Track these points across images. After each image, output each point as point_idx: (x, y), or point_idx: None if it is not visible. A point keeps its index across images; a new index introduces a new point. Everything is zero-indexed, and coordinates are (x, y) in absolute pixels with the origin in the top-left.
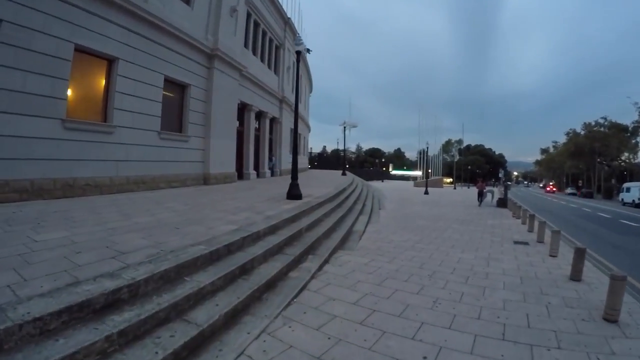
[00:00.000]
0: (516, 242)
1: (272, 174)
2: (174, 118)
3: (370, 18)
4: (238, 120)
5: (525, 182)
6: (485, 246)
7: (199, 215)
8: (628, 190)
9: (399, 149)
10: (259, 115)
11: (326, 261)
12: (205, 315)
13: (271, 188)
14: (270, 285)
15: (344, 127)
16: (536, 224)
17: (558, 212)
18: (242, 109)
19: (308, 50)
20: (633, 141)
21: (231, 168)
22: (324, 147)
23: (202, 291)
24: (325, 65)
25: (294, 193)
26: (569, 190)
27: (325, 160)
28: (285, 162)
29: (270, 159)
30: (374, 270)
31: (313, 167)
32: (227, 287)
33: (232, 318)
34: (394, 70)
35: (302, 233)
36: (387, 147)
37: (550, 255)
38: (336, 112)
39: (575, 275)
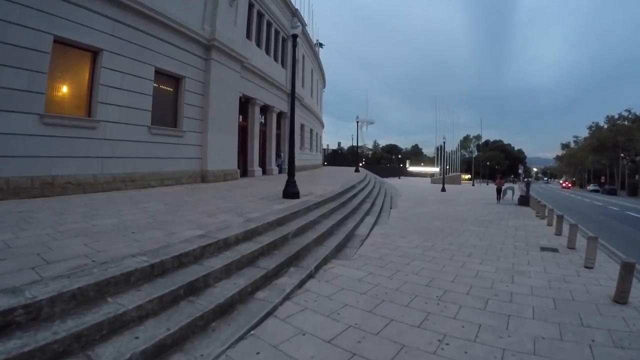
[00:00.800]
0: (543, 249)
1: (280, 171)
2: (167, 112)
3: (386, 15)
4: (241, 114)
5: (545, 179)
6: (508, 254)
7: (170, 217)
8: None
9: (416, 145)
10: (265, 110)
11: (311, 275)
12: (114, 351)
13: (272, 186)
14: (226, 309)
15: (357, 122)
16: (566, 226)
17: (584, 211)
18: (246, 103)
19: (320, 45)
20: None
21: (232, 165)
22: (339, 143)
23: (121, 317)
24: (343, 63)
25: (290, 191)
26: (591, 187)
27: (341, 157)
28: (296, 158)
29: (278, 155)
30: (369, 289)
31: (329, 163)
32: (162, 312)
33: (154, 358)
34: (412, 67)
35: (288, 239)
36: (405, 144)
37: (586, 267)
38: (354, 109)
39: (621, 297)
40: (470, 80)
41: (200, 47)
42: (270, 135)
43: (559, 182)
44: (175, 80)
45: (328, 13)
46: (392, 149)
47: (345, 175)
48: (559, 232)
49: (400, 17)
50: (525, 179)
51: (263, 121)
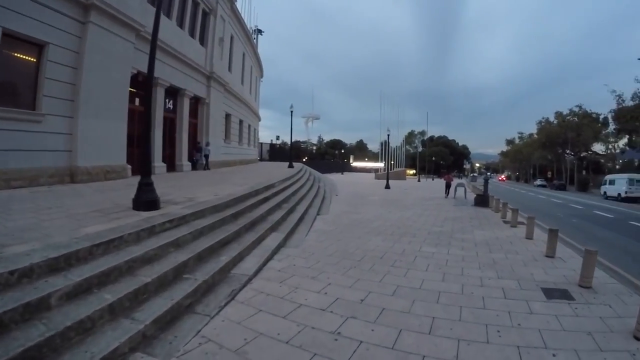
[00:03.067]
0: (547, 292)
1: (195, 167)
2: (18, 89)
3: (335, 11)
4: (137, 96)
5: (488, 173)
6: (500, 312)
7: None
8: (612, 182)
9: (361, 141)
10: (174, 93)
11: None
12: None
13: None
14: None
15: (291, 112)
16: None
17: (547, 210)
18: (144, 82)
19: (259, 32)
20: (604, 132)
21: (118, 159)
22: (277, 137)
23: None
24: (291, 58)
25: (144, 199)
26: (538, 182)
27: (281, 152)
28: (217, 152)
29: (198, 150)
30: None
31: (271, 159)
32: None
33: None
34: (359, 63)
35: (50, 307)
36: (350, 140)
37: (636, 337)
38: (300, 105)
39: None
40: (416, 79)
41: (75, 7)
42: (181, 124)
43: (499, 178)
44: (36, 48)
45: (277, 6)
46: (336, 144)
47: (273, 172)
48: (550, 252)
49: (350, 13)
50: (484, 175)
51: (171, 107)
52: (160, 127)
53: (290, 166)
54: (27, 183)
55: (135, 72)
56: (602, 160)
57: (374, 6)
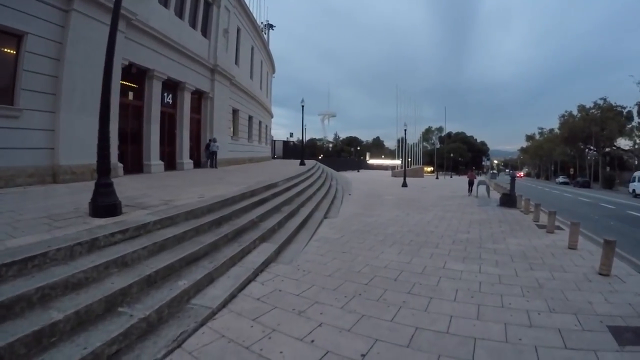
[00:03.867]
0: (617, 334)
1: (198, 165)
2: None
3: (350, 8)
4: (130, 91)
5: (507, 170)
6: None
7: None
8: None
9: (377, 138)
10: (174, 87)
11: None
12: None
13: (135, 188)
14: None
15: (302, 107)
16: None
17: (578, 211)
18: (139, 74)
19: (271, 26)
20: (629, 126)
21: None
22: (291, 134)
23: None
24: (307, 57)
25: (99, 203)
26: (560, 179)
27: (295, 150)
28: (224, 149)
29: (207, 147)
30: None
31: (285, 156)
32: None
33: None
34: (375, 61)
35: None
36: (367, 137)
37: None
38: (316, 103)
39: None
40: (432, 75)
41: None
42: (181, 119)
43: (517, 174)
44: (14, 39)
45: (292, 5)
46: (352, 142)
47: (282, 170)
48: (605, 270)
49: (364, 10)
50: (510, 172)
51: (170, 101)
52: (157, 123)
53: (302, 163)
54: (3, 184)
55: (126, 63)
56: (626, 157)
57: (388, 1)
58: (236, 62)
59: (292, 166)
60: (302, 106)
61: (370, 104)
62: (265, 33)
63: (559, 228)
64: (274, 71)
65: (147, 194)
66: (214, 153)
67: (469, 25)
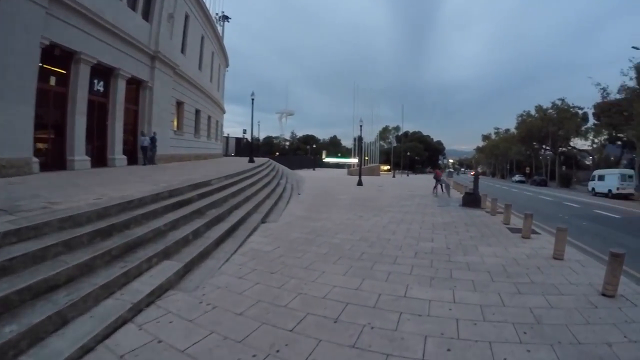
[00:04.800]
0: None
1: (135, 162)
2: None
3: (310, 6)
4: (52, 75)
5: (462, 169)
6: None
7: None
8: (601, 178)
9: (334, 136)
10: (107, 73)
11: None
12: None
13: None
14: None
15: (252, 100)
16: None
17: (543, 210)
18: (64, 57)
19: (226, 18)
20: (584, 127)
21: (20, 152)
22: (244, 130)
23: None
24: (264, 52)
25: None
26: (516, 177)
27: (249, 147)
28: (165, 145)
29: (144, 140)
30: None
31: (239, 154)
32: None
33: None
34: (335, 60)
35: None
36: (324, 136)
37: None
38: (274, 101)
39: None
40: (391, 76)
41: None
42: (114, 110)
43: (471, 173)
44: None
45: (253, 1)
46: (309, 140)
47: (225, 167)
48: (611, 290)
49: (325, 8)
50: (464, 170)
51: (102, 89)
52: (84, 113)
53: (251, 160)
54: None
55: (47, 43)
56: (580, 157)
57: (350, 1)
58: (182, 51)
59: (240, 163)
60: (252, 99)
61: (329, 103)
62: (220, 25)
63: (534, 232)
64: (227, 65)
65: (39, 194)
66: (145, 148)
67: (429, 28)
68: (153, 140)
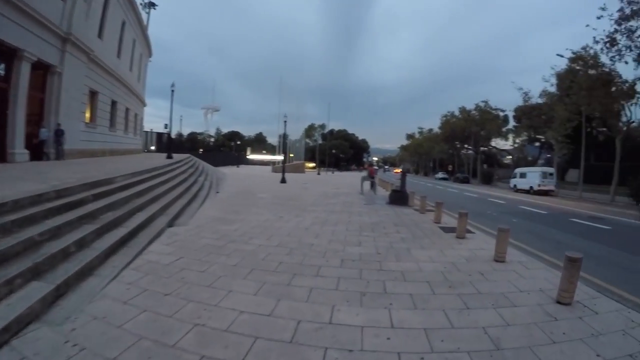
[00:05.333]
0: None
1: (36, 158)
2: None
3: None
4: None
5: (386, 167)
6: None
7: None
8: (523, 175)
9: (260, 133)
10: (8, 55)
11: None
12: None
13: None
14: None
15: (172, 91)
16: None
17: (470, 206)
18: None
19: (152, 5)
20: (505, 128)
21: None
22: (165, 125)
23: None
24: (193, 47)
25: None
26: (439, 174)
27: (176, 144)
28: (75, 138)
29: (55, 133)
30: None
31: (159, 149)
32: None
33: None
34: (263, 57)
35: None
36: (251, 132)
37: None
38: (201, 96)
39: None
40: (319, 75)
41: None
42: (15, 97)
43: (394, 171)
44: None
45: None
46: (234, 136)
47: (139, 163)
48: (568, 298)
49: (255, 5)
50: (388, 168)
51: (2, 73)
52: None
53: (169, 157)
54: None
55: None
56: (499, 156)
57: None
58: (100, 36)
59: (157, 159)
60: (172, 90)
61: (256, 100)
62: (146, 12)
63: (468, 231)
64: (150, 55)
65: None
66: (44, 142)
67: (358, 30)
68: (58, 133)
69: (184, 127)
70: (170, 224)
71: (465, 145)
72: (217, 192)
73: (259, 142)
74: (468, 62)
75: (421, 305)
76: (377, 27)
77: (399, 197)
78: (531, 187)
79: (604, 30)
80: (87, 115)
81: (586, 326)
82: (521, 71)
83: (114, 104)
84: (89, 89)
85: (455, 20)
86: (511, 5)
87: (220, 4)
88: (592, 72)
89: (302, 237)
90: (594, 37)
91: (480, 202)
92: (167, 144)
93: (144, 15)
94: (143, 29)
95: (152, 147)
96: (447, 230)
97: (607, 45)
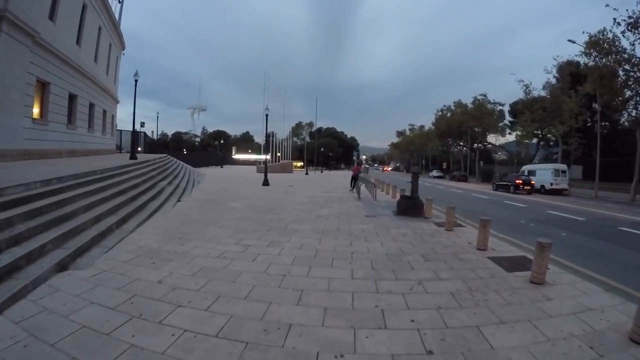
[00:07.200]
0: None
1: None
2: None
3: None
4: None
5: (376, 165)
6: None
7: None
8: (532, 173)
9: (246, 133)
10: None
11: None
12: None
13: None
14: None
15: (135, 81)
16: None
17: (490, 212)
18: None
19: None
20: (501, 124)
21: None
22: (142, 123)
23: None
24: (177, 45)
25: None
26: (434, 173)
27: (153, 143)
28: (16, 136)
29: None
30: None
31: (149, 151)
32: None
33: None
34: (250, 57)
35: None
36: (237, 132)
37: None
38: (188, 96)
39: None
40: (307, 74)
41: None
42: None
43: (382, 169)
44: None
45: None
46: (219, 135)
47: (90, 165)
48: None
49: (243, 5)
50: (377, 166)
51: None
52: None
53: (133, 157)
54: None
55: None
56: (494, 153)
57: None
58: (51, 18)
59: (121, 160)
60: (136, 80)
61: (243, 100)
62: (119, 1)
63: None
64: (123, 47)
65: None
66: None
67: (345, 29)
68: None
69: (170, 127)
70: (62, 268)
71: (460, 143)
72: (179, 201)
73: (246, 142)
74: (456, 59)
75: None
76: (366, 22)
77: (410, 206)
78: (542, 186)
79: (627, 10)
80: (36, 110)
81: None
82: (513, 67)
83: (73, 98)
84: (36, 78)
85: (444, 16)
86: (502, 3)
87: (204, 4)
88: (607, 59)
89: (273, 305)
90: (614, 19)
91: (498, 206)
92: (132, 142)
93: (117, 6)
94: (112, 16)
95: (140, 149)
96: (506, 265)
97: (630, 27)
